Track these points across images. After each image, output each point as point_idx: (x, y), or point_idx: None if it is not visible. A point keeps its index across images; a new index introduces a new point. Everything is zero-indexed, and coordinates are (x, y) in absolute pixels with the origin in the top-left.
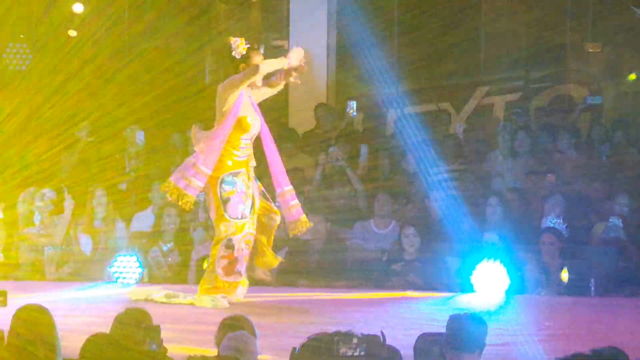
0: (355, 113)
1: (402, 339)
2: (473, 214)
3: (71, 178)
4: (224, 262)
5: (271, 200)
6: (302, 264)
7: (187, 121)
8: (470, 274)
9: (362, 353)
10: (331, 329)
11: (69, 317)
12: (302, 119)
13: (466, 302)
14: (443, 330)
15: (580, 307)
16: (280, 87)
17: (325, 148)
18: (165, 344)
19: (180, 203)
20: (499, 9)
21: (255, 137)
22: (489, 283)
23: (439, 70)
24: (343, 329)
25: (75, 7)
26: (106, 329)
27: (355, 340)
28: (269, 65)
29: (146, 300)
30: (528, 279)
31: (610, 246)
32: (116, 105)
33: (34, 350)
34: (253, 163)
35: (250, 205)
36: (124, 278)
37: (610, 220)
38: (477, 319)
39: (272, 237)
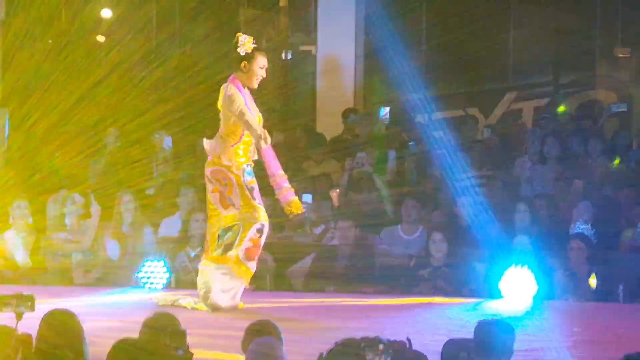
0: (389, 118)
1: (430, 344)
2: (501, 219)
3: (99, 183)
4: (250, 244)
5: None
6: (329, 269)
7: (214, 127)
8: (498, 279)
9: (389, 359)
10: (358, 334)
11: (97, 322)
12: (330, 124)
13: (494, 308)
14: (471, 336)
15: (608, 314)
16: None
17: (354, 153)
18: (191, 349)
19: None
20: (527, 14)
21: None
22: (517, 289)
23: (468, 75)
24: (370, 334)
25: (104, 12)
26: (133, 334)
27: (381, 346)
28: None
29: (173, 305)
30: (556, 285)
31: (638, 252)
32: (144, 111)
33: (62, 355)
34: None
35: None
36: (151, 283)
37: (639, 226)
38: (505, 325)
39: None
